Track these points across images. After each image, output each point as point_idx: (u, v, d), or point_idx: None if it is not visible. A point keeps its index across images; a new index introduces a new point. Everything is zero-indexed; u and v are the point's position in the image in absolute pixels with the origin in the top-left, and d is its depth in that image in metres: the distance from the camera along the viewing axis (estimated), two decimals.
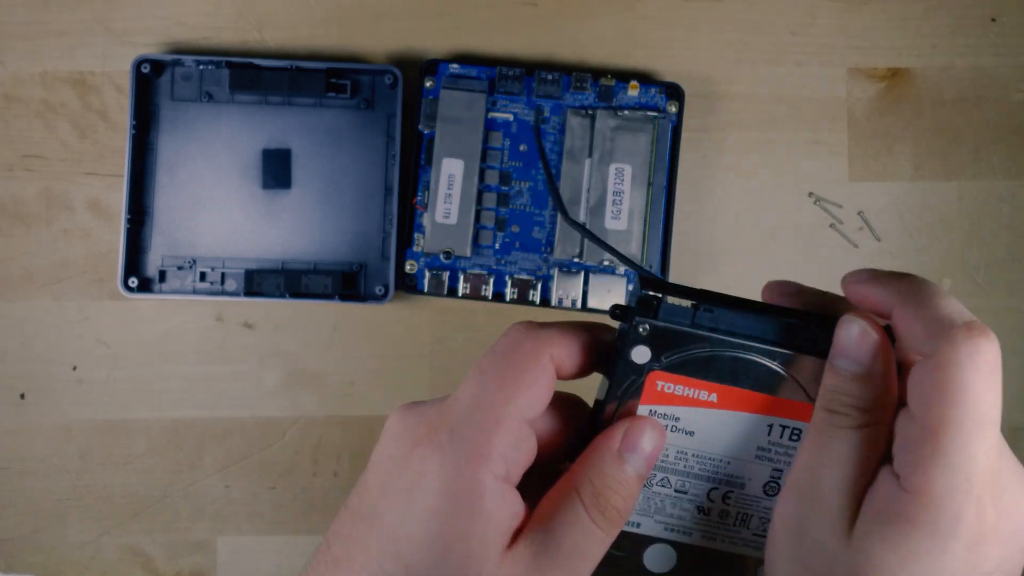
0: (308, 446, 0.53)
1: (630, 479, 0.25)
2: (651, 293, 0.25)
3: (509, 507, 0.24)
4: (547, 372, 0.25)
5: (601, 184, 0.50)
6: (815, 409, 0.25)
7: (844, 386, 0.24)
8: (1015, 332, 0.53)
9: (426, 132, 0.51)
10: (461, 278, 0.51)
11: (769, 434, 0.26)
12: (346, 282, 0.51)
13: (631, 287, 0.25)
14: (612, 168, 0.50)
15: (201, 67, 0.51)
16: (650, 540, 0.28)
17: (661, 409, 0.26)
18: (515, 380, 0.24)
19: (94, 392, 0.52)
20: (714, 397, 0.26)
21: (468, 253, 0.50)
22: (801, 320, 0.25)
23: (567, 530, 0.24)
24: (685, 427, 0.26)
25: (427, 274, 0.51)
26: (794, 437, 0.26)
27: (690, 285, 0.26)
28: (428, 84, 0.51)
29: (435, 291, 0.51)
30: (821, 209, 0.53)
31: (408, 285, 0.51)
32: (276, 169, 0.51)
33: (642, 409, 0.26)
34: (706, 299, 0.25)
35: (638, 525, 0.27)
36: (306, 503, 0.53)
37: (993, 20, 0.53)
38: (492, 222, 0.51)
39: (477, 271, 0.51)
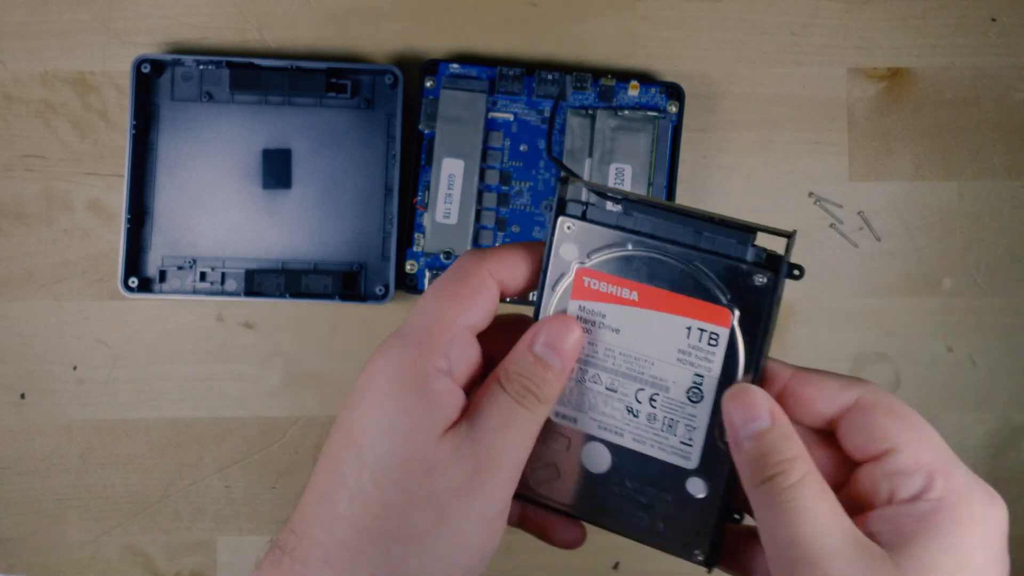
0: (308, 446, 0.53)
1: (537, 364, 0.27)
2: (581, 199, 0.28)
3: (451, 398, 0.27)
4: (488, 287, 0.28)
5: (601, 184, 0.50)
6: (750, 491, 0.26)
7: (763, 447, 0.26)
8: (1015, 332, 0.53)
9: (426, 132, 0.51)
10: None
11: (688, 337, 0.27)
12: (346, 282, 0.51)
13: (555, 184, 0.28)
14: (612, 168, 0.50)
15: (201, 67, 0.51)
16: (586, 438, 0.29)
17: (589, 305, 0.28)
18: (458, 293, 0.28)
19: (94, 392, 0.52)
20: (635, 296, 0.28)
21: None
22: (714, 224, 0.27)
23: (489, 408, 0.27)
24: (611, 324, 0.28)
25: (427, 274, 0.51)
26: (712, 342, 0.27)
27: (618, 188, 0.27)
28: (428, 84, 0.51)
29: None
30: (821, 209, 0.53)
31: (408, 285, 0.51)
32: (276, 169, 0.51)
33: (572, 304, 0.28)
34: (630, 201, 0.28)
35: (574, 420, 0.29)
36: None
37: (993, 20, 0.53)
38: (492, 222, 0.51)
39: None
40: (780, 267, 0.25)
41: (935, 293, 0.53)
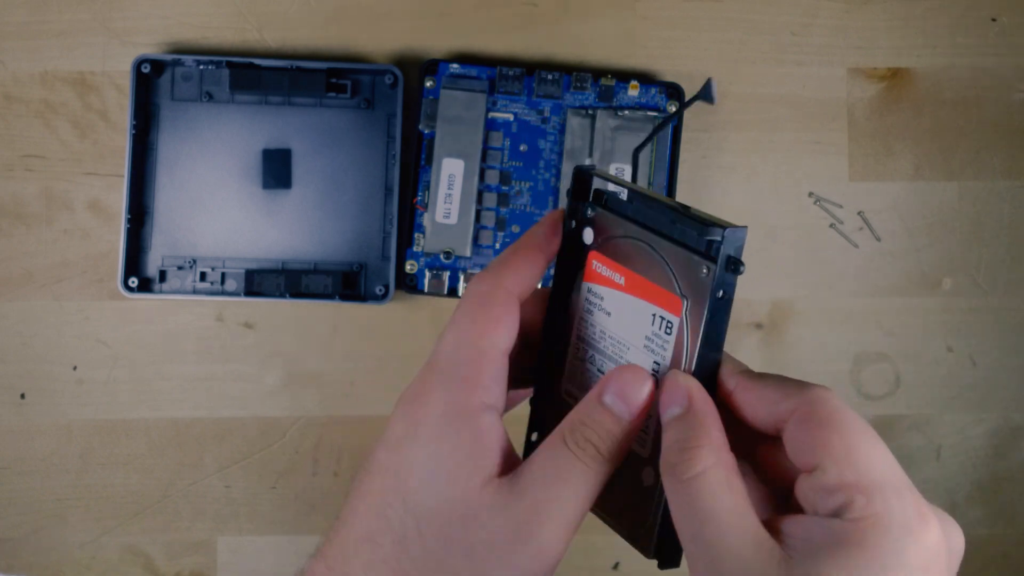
0: (308, 446, 0.53)
1: (604, 414, 0.26)
2: (595, 184, 0.29)
3: (498, 431, 0.26)
4: (510, 306, 0.27)
5: (600, 184, 0.50)
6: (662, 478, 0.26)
7: (673, 434, 0.25)
8: (1015, 332, 0.53)
9: (426, 132, 0.51)
10: (461, 278, 0.51)
11: (652, 323, 0.27)
12: (346, 282, 0.51)
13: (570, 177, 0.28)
14: (612, 168, 0.50)
15: (201, 67, 0.51)
16: None
17: (594, 288, 0.29)
18: (484, 318, 0.27)
19: (94, 392, 0.52)
20: (623, 281, 0.28)
21: (468, 253, 0.50)
22: (687, 216, 0.27)
23: (543, 460, 0.26)
24: (607, 307, 0.29)
25: (427, 274, 0.51)
26: (667, 330, 0.27)
27: (619, 178, 0.27)
28: (428, 84, 0.51)
29: (435, 291, 0.51)
30: (821, 209, 0.53)
31: (408, 285, 0.51)
32: (276, 169, 0.51)
33: (584, 286, 0.29)
34: (631, 191, 0.28)
35: (576, 399, 0.29)
36: (306, 503, 0.53)
37: (993, 20, 0.53)
38: (492, 222, 0.51)
39: (477, 271, 0.51)
40: (719, 260, 0.26)
41: (935, 293, 0.53)
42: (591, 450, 0.26)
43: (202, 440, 0.53)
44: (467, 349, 0.27)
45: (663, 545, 0.27)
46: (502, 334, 0.27)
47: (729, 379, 0.27)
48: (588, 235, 0.29)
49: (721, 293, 0.26)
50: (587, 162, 0.50)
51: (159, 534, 0.53)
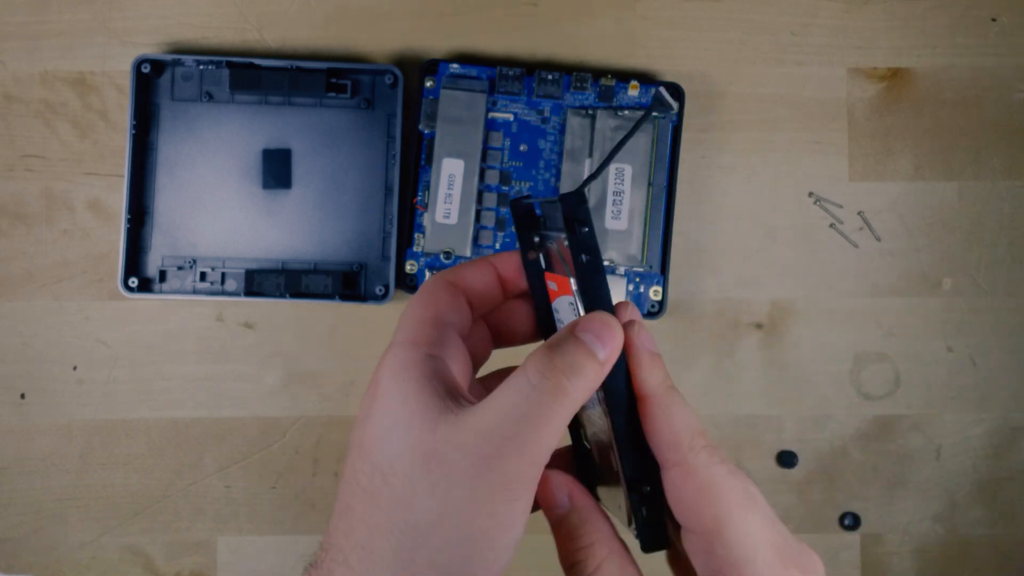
0: (308, 446, 0.53)
1: (579, 348, 0.26)
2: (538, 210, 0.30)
3: (446, 372, 0.27)
4: (449, 291, 0.29)
5: (601, 184, 0.50)
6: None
7: (564, 531, 0.26)
8: (1015, 332, 0.53)
9: (426, 132, 0.51)
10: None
11: (573, 312, 0.28)
12: (346, 282, 0.51)
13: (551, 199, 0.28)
14: (612, 168, 0.50)
15: (201, 67, 0.51)
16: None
17: (553, 304, 0.30)
18: (423, 300, 0.29)
19: (94, 392, 0.52)
20: (556, 286, 0.29)
21: (468, 253, 0.50)
22: (554, 202, 0.28)
23: (501, 393, 0.26)
24: (562, 316, 0.30)
25: (427, 274, 0.51)
26: (576, 312, 0.28)
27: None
28: (428, 84, 0.51)
29: None
30: (821, 209, 0.53)
31: (408, 285, 0.51)
32: (276, 169, 0.51)
33: (551, 307, 0.30)
34: (542, 203, 0.30)
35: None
36: (306, 503, 0.53)
37: (993, 20, 0.53)
38: (492, 222, 0.51)
39: None
40: (567, 226, 0.27)
41: (935, 293, 0.53)
42: (558, 383, 0.25)
43: (202, 440, 0.53)
44: (408, 321, 0.28)
45: (646, 529, 0.27)
46: (442, 308, 0.29)
47: (652, 386, 0.27)
48: (541, 260, 0.30)
49: (584, 257, 0.27)
50: (585, 163, 0.50)
51: (159, 534, 0.53)
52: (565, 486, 0.27)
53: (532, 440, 0.25)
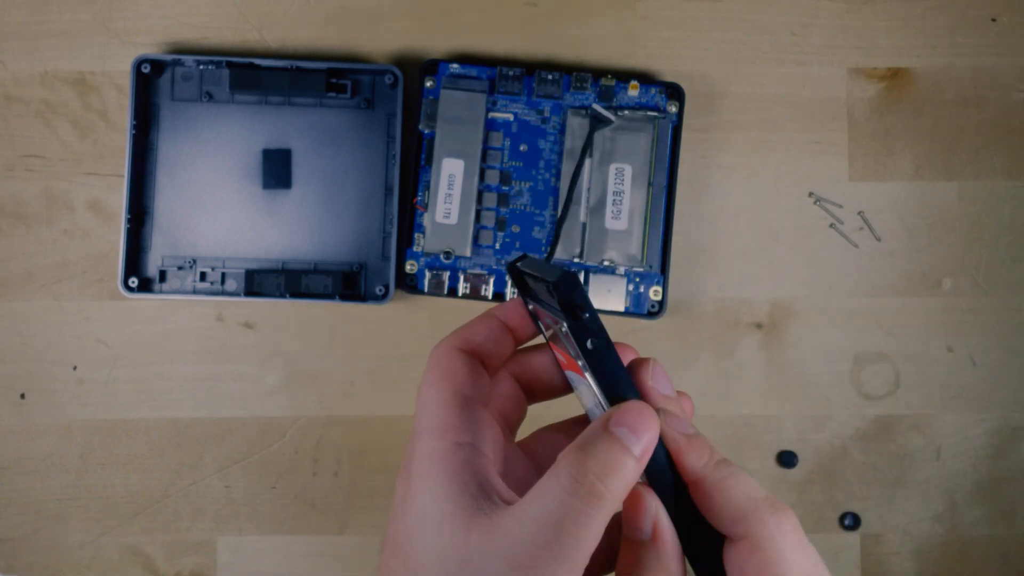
0: (308, 446, 0.53)
1: (613, 445, 0.25)
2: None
3: (476, 466, 0.26)
4: (462, 359, 0.28)
5: (601, 184, 0.50)
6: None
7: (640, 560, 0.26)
8: (1015, 332, 0.53)
9: (426, 132, 0.51)
10: (461, 278, 0.51)
11: (593, 392, 0.27)
12: (346, 282, 0.51)
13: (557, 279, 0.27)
14: (612, 168, 0.50)
15: (201, 67, 0.51)
16: None
17: (566, 373, 0.29)
18: (439, 374, 0.28)
19: (94, 392, 0.52)
20: (564, 359, 0.29)
21: (468, 253, 0.50)
22: (541, 280, 0.27)
23: (534, 495, 0.24)
24: (578, 388, 0.29)
25: (427, 274, 0.51)
26: (595, 393, 0.27)
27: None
28: (428, 84, 0.51)
29: (435, 291, 0.51)
30: (821, 209, 0.53)
31: (408, 285, 0.51)
32: (276, 169, 0.51)
33: (566, 374, 0.30)
34: (528, 274, 0.29)
35: None
36: (306, 503, 0.53)
37: (993, 20, 0.53)
38: (492, 222, 0.51)
39: (477, 271, 0.51)
40: (565, 312, 0.26)
41: (935, 293, 0.53)
42: (595, 487, 0.24)
43: (202, 440, 0.53)
44: (430, 405, 0.27)
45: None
46: (460, 382, 0.28)
47: (698, 468, 0.26)
48: (542, 327, 0.30)
49: (591, 344, 0.26)
50: (586, 163, 0.50)
51: (159, 534, 0.53)
52: (653, 516, 0.26)
53: (569, 547, 0.24)
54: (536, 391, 0.31)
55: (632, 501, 0.26)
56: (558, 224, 0.44)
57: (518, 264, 0.29)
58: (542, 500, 0.24)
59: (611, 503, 0.24)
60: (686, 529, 0.26)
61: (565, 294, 0.26)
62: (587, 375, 0.26)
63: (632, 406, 0.25)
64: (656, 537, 0.26)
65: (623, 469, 0.24)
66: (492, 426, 0.28)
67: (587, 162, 0.50)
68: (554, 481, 0.24)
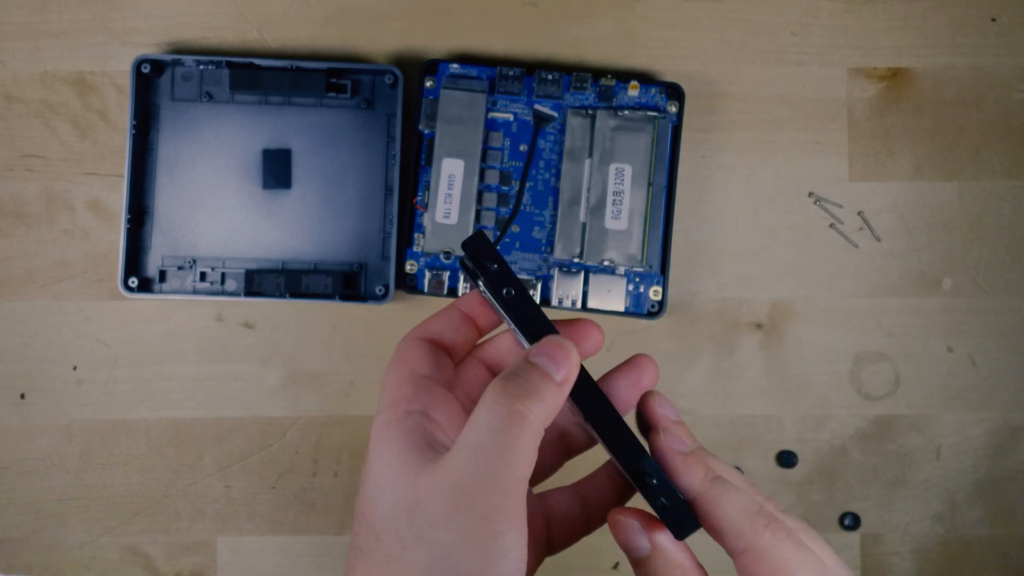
0: (308, 446, 0.53)
1: (533, 371, 0.26)
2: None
3: (425, 429, 0.28)
4: (418, 345, 0.30)
5: (601, 184, 0.50)
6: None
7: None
8: (1015, 332, 0.53)
9: (426, 132, 0.51)
10: (461, 278, 0.51)
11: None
12: (346, 282, 0.51)
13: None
14: (612, 168, 0.50)
15: (201, 67, 0.51)
16: None
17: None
18: (397, 360, 0.30)
19: (94, 392, 0.52)
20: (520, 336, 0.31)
21: None
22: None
23: (468, 430, 0.26)
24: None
25: (427, 274, 0.51)
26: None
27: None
28: (428, 84, 0.51)
29: (435, 291, 0.51)
30: (821, 209, 0.53)
31: (408, 285, 0.51)
32: (276, 169, 0.51)
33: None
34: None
35: None
36: (306, 503, 0.53)
37: (993, 20, 0.53)
38: (492, 222, 0.51)
39: None
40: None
41: (935, 293, 0.53)
42: (514, 409, 0.26)
43: (202, 440, 0.53)
44: (387, 385, 0.29)
45: (672, 515, 0.27)
46: (415, 364, 0.29)
47: (695, 486, 0.27)
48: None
49: (505, 292, 0.28)
50: (585, 162, 0.50)
51: (159, 534, 0.53)
52: (642, 527, 0.27)
53: (501, 471, 0.25)
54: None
55: (615, 528, 0.27)
56: (507, 222, 0.44)
57: (463, 257, 0.30)
58: (471, 430, 0.26)
59: (533, 423, 0.26)
60: (623, 448, 0.27)
61: (473, 252, 0.27)
62: (509, 323, 0.28)
63: (550, 338, 0.27)
64: (657, 542, 0.27)
65: (544, 391, 0.26)
66: (451, 402, 0.29)
67: (587, 162, 0.50)
68: (479, 410, 0.26)
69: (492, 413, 0.25)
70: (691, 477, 0.27)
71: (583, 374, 0.28)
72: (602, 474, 0.32)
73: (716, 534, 0.26)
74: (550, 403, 0.26)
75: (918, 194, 0.53)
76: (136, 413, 0.52)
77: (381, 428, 0.28)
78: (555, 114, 0.48)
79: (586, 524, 0.31)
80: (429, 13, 0.53)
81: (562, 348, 0.27)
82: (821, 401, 0.53)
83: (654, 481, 0.27)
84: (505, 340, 0.32)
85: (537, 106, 0.47)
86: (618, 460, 0.28)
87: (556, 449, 0.32)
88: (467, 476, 0.25)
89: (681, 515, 0.27)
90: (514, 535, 0.25)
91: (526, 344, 0.28)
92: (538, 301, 0.51)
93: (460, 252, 0.50)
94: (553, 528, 0.31)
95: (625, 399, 0.31)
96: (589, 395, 0.28)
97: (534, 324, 0.28)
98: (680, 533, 0.27)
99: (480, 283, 0.29)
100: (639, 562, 0.27)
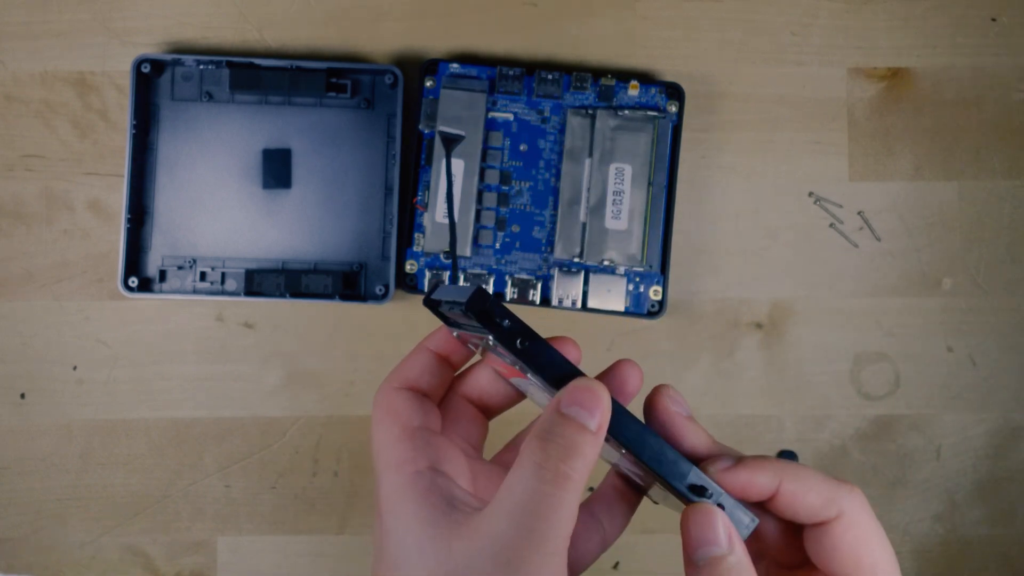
0: (308, 446, 0.53)
1: (567, 425, 0.25)
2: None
3: (440, 485, 0.27)
4: (399, 396, 0.29)
5: (601, 184, 0.50)
6: None
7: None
8: (1015, 332, 0.53)
9: (426, 132, 0.51)
10: (461, 278, 0.51)
11: (539, 388, 0.29)
12: (346, 282, 0.51)
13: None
14: (612, 168, 0.50)
15: (201, 67, 0.51)
16: None
17: (512, 380, 0.30)
18: (379, 414, 0.28)
19: (94, 392, 0.52)
20: (501, 368, 0.30)
21: (468, 253, 0.50)
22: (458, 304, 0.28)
23: (502, 495, 0.25)
24: (526, 390, 0.30)
25: (427, 274, 0.51)
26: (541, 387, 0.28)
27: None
28: (428, 84, 0.51)
29: None
30: (821, 209, 0.53)
31: (408, 285, 0.51)
32: (276, 169, 0.51)
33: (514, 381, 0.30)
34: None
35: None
36: (306, 503, 0.53)
37: (993, 20, 0.53)
38: (492, 222, 0.51)
39: (477, 271, 0.51)
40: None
41: (935, 293, 0.53)
42: (561, 469, 0.25)
43: (202, 440, 0.53)
44: (380, 447, 0.28)
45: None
46: (403, 418, 0.28)
47: (770, 476, 0.27)
48: (472, 347, 0.30)
49: (519, 344, 0.27)
50: (585, 162, 0.50)
51: (159, 534, 0.53)
52: (725, 526, 0.26)
53: (547, 533, 0.24)
54: (490, 406, 0.31)
55: (698, 523, 0.26)
56: (450, 230, 0.44)
57: (432, 296, 0.29)
58: (512, 493, 0.25)
59: (577, 482, 0.25)
60: (672, 476, 0.27)
61: (478, 310, 0.26)
62: (529, 375, 0.27)
63: (578, 384, 0.26)
64: (736, 545, 0.26)
65: (583, 446, 0.25)
66: (449, 448, 0.28)
67: (587, 162, 0.50)
68: (520, 472, 0.25)
69: (535, 477, 0.25)
70: (760, 474, 0.27)
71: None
72: (608, 488, 0.31)
73: (801, 510, 0.27)
74: (591, 457, 0.25)
75: (918, 194, 0.53)
76: (136, 413, 0.52)
77: (393, 492, 0.26)
78: (463, 134, 0.48)
79: (602, 542, 0.30)
80: (429, 13, 0.53)
81: (591, 393, 0.26)
82: (821, 401, 0.53)
83: (709, 493, 0.27)
84: (484, 370, 0.31)
85: (441, 128, 0.47)
86: (668, 480, 0.27)
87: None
88: (512, 541, 0.24)
89: (738, 516, 0.27)
90: None
91: (547, 388, 0.27)
92: (538, 302, 0.51)
93: (458, 252, 0.50)
94: (573, 554, 0.30)
95: None
96: (622, 424, 0.27)
97: (560, 370, 0.27)
98: (745, 532, 0.27)
99: (491, 339, 0.27)
100: (713, 562, 0.26)
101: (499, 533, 0.24)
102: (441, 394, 0.31)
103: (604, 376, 0.30)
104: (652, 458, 0.27)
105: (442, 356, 0.30)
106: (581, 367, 0.27)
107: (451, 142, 0.42)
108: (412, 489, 0.26)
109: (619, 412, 0.27)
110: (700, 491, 0.27)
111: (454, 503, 0.26)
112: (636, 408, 0.28)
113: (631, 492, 0.31)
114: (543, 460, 0.25)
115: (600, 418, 0.26)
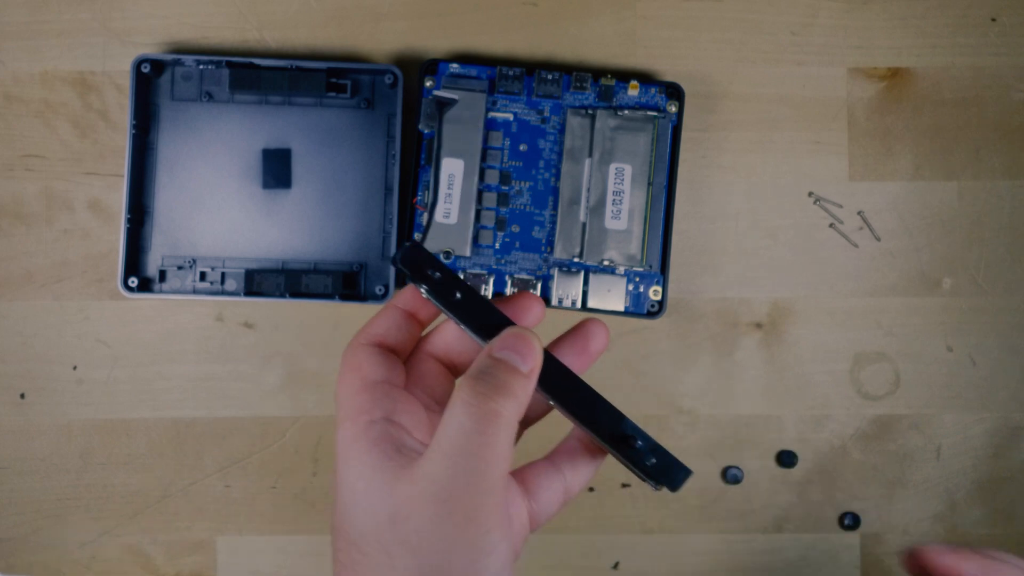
0: (308, 446, 0.53)
1: (498, 366, 0.26)
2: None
3: (390, 435, 0.27)
4: (364, 351, 0.29)
5: (601, 184, 0.50)
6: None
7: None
8: (1015, 332, 0.53)
9: (426, 132, 0.51)
10: (461, 278, 0.51)
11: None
12: (346, 282, 0.51)
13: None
14: (612, 168, 0.50)
15: (201, 67, 0.51)
16: None
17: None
18: (344, 368, 0.29)
19: (94, 392, 0.52)
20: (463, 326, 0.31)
21: (468, 253, 0.50)
22: None
23: (440, 434, 0.26)
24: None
25: None
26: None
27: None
28: (428, 84, 0.51)
29: None
30: (821, 209, 0.53)
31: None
32: (276, 169, 0.51)
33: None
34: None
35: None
36: (306, 503, 0.53)
37: (993, 20, 0.53)
38: (492, 222, 0.51)
39: (477, 271, 0.51)
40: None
41: (935, 293, 0.53)
42: (487, 409, 0.25)
43: (202, 440, 0.53)
44: (341, 399, 0.29)
45: (665, 473, 0.28)
46: (364, 371, 0.29)
47: (935, 556, 0.32)
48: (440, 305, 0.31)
49: (458, 295, 0.28)
50: (585, 162, 0.50)
51: (159, 534, 0.53)
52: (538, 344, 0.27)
53: (482, 472, 0.25)
54: (457, 364, 0.32)
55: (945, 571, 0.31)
56: (433, 189, 0.44)
57: (395, 259, 0.31)
58: (446, 433, 0.25)
59: (507, 419, 0.26)
60: (605, 425, 0.28)
61: (410, 264, 0.27)
62: (461, 326, 0.28)
63: (511, 331, 0.27)
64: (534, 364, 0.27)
65: (514, 386, 0.26)
66: (409, 402, 0.29)
67: (587, 162, 0.50)
68: (451, 411, 0.26)
69: (465, 415, 0.25)
70: (966, 563, 0.31)
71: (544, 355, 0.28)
72: (573, 441, 0.32)
73: None
74: (521, 397, 0.26)
75: (918, 194, 0.53)
76: (136, 413, 0.52)
77: (346, 441, 0.27)
78: (456, 98, 0.48)
79: (565, 492, 0.31)
80: (429, 13, 0.53)
81: (524, 339, 0.27)
82: (821, 401, 0.53)
83: (639, 443, 0.27)
84: (450, 328, 0.32)
85: (436, 92, 0.47)
86: (596, 432, 0.28)
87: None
88: (447, 480, 0.25)
89: (671, 469, 0.27)
90: (500, 531, 0.26)
91: (482, 343, 0.28)
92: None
93: (458, 252, 0.50)
94: (533, 504, 0.30)
95: (576, 368, 0.30)
96: (554, 375, 0.28)
97: (488, 319, 0.28)
98: (674, 485, 0.27)
99: (423, 289, 0.28)
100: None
101: (436, 473, 0.25)
102: (408, 350, 0.31)
103: (570, 334, 0.31)
104: (580, 409, 0.27)
105: (410, 313, 0.31)
106: (557, 341, 0.28)
107: (444, 104, 0.43)
108: (364, 438, 0.27)
109: (552, 363, 0.27)
110: (631, 441, 0.27)
111: (403, 450, 0.27)
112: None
113: (596, 447, 0.31)
114: (471, 398, 0.25)
115: (532, 362, 0.26)
